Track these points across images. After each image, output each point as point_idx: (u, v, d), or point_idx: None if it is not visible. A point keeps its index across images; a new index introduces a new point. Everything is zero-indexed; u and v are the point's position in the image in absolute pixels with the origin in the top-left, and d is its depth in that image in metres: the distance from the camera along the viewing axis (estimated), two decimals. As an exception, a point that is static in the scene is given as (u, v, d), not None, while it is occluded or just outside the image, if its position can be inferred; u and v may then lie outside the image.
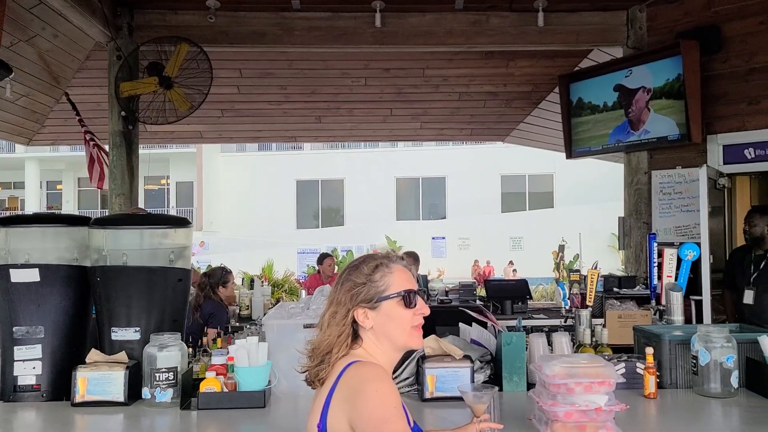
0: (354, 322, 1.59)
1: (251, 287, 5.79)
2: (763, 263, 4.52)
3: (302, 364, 1.65)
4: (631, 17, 5.85)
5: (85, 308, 2.85)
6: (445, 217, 25.39)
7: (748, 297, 4.53)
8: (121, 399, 2.53)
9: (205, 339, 3.89)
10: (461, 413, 2.43)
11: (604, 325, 3.26)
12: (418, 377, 2.64)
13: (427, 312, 1.66)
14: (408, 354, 2.74)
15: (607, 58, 6.28)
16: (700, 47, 5.32)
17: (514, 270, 19.16)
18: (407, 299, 1.60)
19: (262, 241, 22.35)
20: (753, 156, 5.32)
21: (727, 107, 5.35)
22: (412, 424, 1.57)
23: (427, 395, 2.57)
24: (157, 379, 2.49)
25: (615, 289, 4.85)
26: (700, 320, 4.44)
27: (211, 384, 2.48)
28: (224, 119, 8.24)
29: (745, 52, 5.24)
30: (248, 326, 3.82)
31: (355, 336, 1.60)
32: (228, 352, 2.59)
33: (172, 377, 2.50)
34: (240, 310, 5.41)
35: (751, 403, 2.54)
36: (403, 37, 5.80)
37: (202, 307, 4.92)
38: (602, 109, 6.05)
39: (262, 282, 6.21)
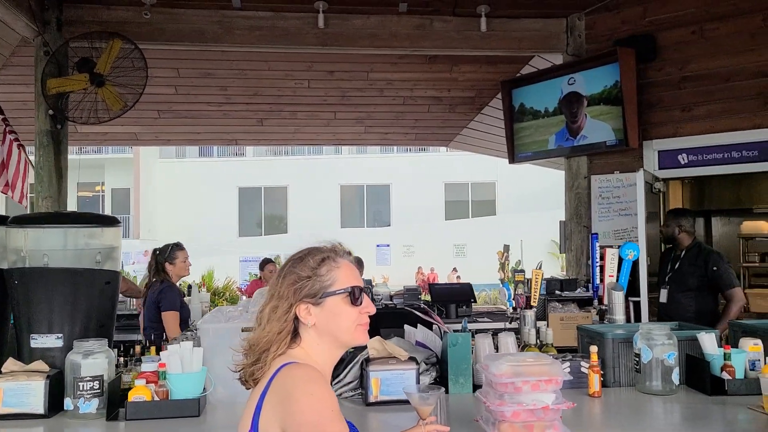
0: (295, 318, 1.49)
1: (188, 294, 5.57)
2: (678, 263, 4.68)
3: (237, 362, 1.54)
4: (571, 25, 5.96)
5: (2, 313, 2.64)
6: (389, 225, 25.43)
7: (663, 296, 4.69)
8: (41, 411, 2.34)
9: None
10: (407, 417, 2.35)
11: (548, 326, 3.26)
12: (362, 381, 2.55)
13: (373, 311, 1.57)
14: (351, 357, 2.65)
15: (547, 65, 6.38)
16: (636, 55, 5.47)
17: (458, 277, 19.32)
18: (354, 296, 1.51)
19: (203, 249, 21.77)
20: (686, 161, 5.49)
21: (662, 114, 5.50)
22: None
23: (371, 399, 2.48)
24: (81, 388, 2.31)
25: (557, 292, 4.90)
26: (638, 321, 4.53)
27: (140, 393, 2.32)
28: (161, 120, 7.96)
29: (678, 61, 5.41)
30: (183, 332, 3.64)
31: (295, 334, 1.51)
32: (159, 359, 2.43)
33: (97, 386, 2.33)
34: (177, 318, 5.17)
35: (690, 400, 2.57)
36: (347, 39, 5.73)
37: (149, 290, 4.42)
38: (543, 115, 6.13)
39: (200, 288, 5.98)
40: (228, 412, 2.49)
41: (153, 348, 3.40)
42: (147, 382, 2.36)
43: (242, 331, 2.57)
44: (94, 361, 2.34)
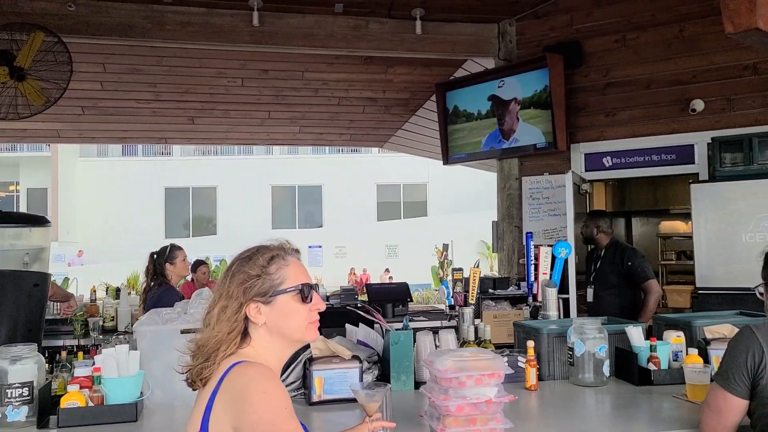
0: (245, 318, 1.48)
1: (117, 297, 5.36)
2: (600, 262, 4.91)
3: (183, 363, 1.50)
4: (502, 30, 6.14)
5: None
6: (321, 226, 25.33)
7: (589, 295, 4.91)
8: (-37, 422, 2.20)
9: None
10: (350, 415, 2.37)
11: (483, 323, 3.34)
12: (305, 380, 2.54)
13: (323, 307, 1.58)
14: (294, 357, 2.64)
15: (480, 69, 6.54)
16: (564, 61, 5.68)
17: (390, 277, 19.47)
18: (304, 293, 1.51)
19: (127, 252, 21.02)
20: (610, 164, 5.75)
21: (588, 118, 5.75)
22: None
23: (315, 398, 2.48)
24: (9, 396, 2.19)
25: (490, 290, 5.02)
26: (568, 317, 4.70)
27: (73, 398, 2.22)
28: (85, 117, 7.63)
29: (602, 68, 5.67)
30: (115, 336, 3.51)
31: (245, 333, 1.49)
32: (94, 363, 2.34)
33: (26, 393, 2.22)
34: (104, 322, 4.98)
35: (620, 390, 2.69)
36: (283, 38, 5.67)
37: (148, 294, 4.31)
38: (476, 117, 6.28)
39: (129, 291, 5.77)
40: (166, 415, 2.42)
41: (81, 353, 3.27)
42: (81, 387, 2.27)
43: (182, 333, 2.51)
44: (22, 366, 2.23)
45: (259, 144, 13.55)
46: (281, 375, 2.58)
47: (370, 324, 3.00)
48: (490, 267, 16.85)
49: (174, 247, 4.50)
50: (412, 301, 5.72)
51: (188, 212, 26.08)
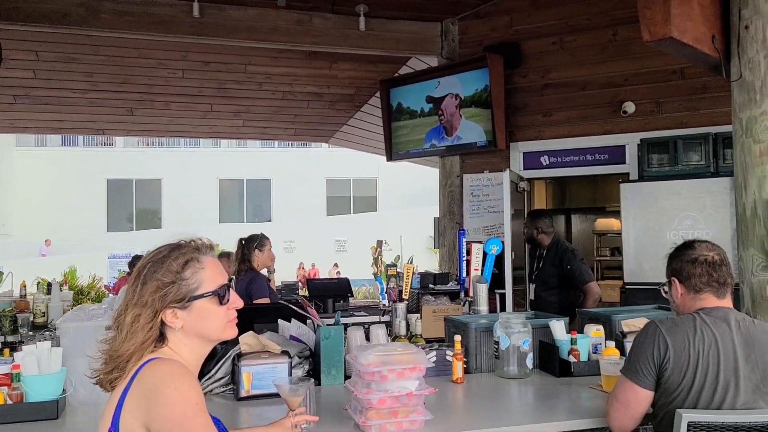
0: (161, 322, 1.46)
1: (48, 292, 5.21)
2: (541, 262, 5.05)
3: (94, 368, 1.47)
4: (445, 29, 6.23)
5: None
6: (270, 220, 25.08)
7: (531, 293, 5.05)
8: None
9: None
10: (279, 409, 2.38)
11: (418, 318, 3.41)
12: (234, 376, 2.54)
13: (241, 304, 1.57)
14: (223, 353, 2.64)
15: (424, 66, 6.62)
16: (504, 62, 5.81)
17: (338, 272, 19.46)
18: (221, 296, 1.50)
19: (67, 246, 20.36)
20: (547, 163, 5.92)
21: (526, 118, 5.90)
22: None
23: (243, 394, 2.48)
24: None
25: (431, 286, 5.11)
26: (503, 312, 4.83)
27: (-10, 397, 2.17)
28: (18, 106, 7.36)
29: (540, 69, 5.82)
30: (41, 333, 3.42)
31: (160, 335, 1.47)
32: (13, 360, 2.29)
33: (-61, 393, 2.15)
34: (35, 317, 4.83)
35: (542, 381, 2.80)
36: (225, 31, 5.61)
37: (239, 283, 4.40)
38: (419, 115, 6.36)
39: (61, 286, 5.62)
40: (89, 413, 2.38)
41: (7, 350, 3.18)
42: (-1, 386, 2.22)
43: (106, 329, 2.48)
44: (-65, 365, 2.16)
45: (201, 137, 13.34)
46: (207, 370, 2.59)
47: (304, 319, 3.02)
48: (438, 262, 17.07)
49: (264, 236, 4.65)
50: (353, 296, 5.76)
51: (131, 205, 25.41)
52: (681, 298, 2.13)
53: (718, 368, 1.93)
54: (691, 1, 2.90)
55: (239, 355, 2.55)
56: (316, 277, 18.66)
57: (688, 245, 2.15)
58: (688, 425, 1.86)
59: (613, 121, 5.54)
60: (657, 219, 4.82)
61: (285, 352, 2.59)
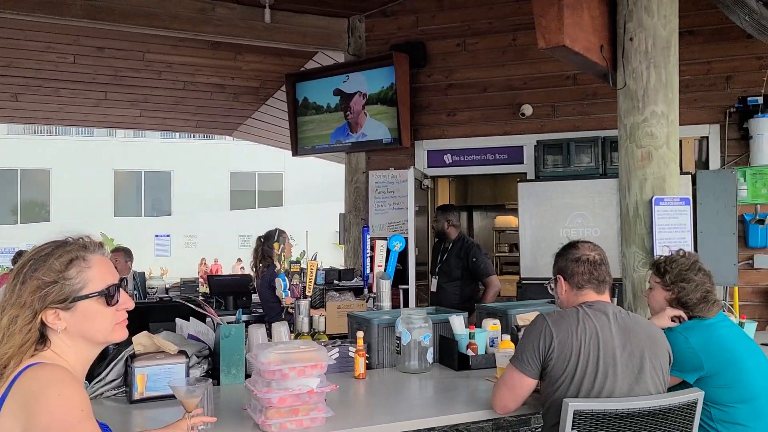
0: (42, 323, 1.37)
1: None
2: (446, 255, 5.20)
3: None
4: (352, 26, 6.23)
5: None
6: (170, 214, 24.19)
7: (433, 285, 5.19)
8: None
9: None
10: (175, 412, 2.30)
11: (321, 314, 3.40)
12: (127, 378, 2.44)
13: (131, 305, 1.51)
14: (115, 354, 2.52)
15: (331, 62, 6.60)
16: (410, 61, 5.90)
17: (242, 268, 19.06)
18: (109, 296, 1.42)
19: (-60, 240, 18.72)
20: (451, 161, 6.07)
21: (431, 116, 6.02)
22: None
23: (136, 396, 2.38)
24: None
25: (335, 282, 5.11)
26: (406, 307, 4.91)
27: None
28: None
29: (445, 69, 5.96)
30: None
31: (41, 337, 1.38)
32: None
33: None
34: None
35: (442, 375, 2.88)
36: (121, 15, 5.33)
37: (263, 277, 4.59)
38: (325, 110, 6.33)
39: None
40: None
41: None
42: None
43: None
44: None
45: (95, 126, 12.63)
46: (97, 372, 2.46)
47: (203, 317, 2.94)
48: (344, 259, 17.10)
49: (280, 231, 4.86)
50: (255, 292, 5.65)
51: (16, 196, 23.69)
52: (565, 294, 2.28)
53: (599, 356, 2.07)
54: (582, 12, 3.07)
55: (133, 356, 2.44)
56: (218, 273, 18.20)
57: (573, 245, 2.30)
58: (574, 413, 1.97)
59: (512, 122, 5.76)
60: (551, 217, 5.07)
61: (182, 352, 2.51)
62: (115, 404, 2.43)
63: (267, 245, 4.78)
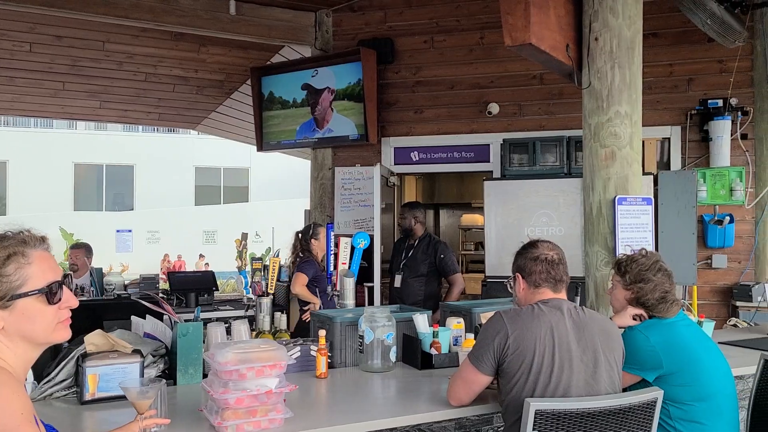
0: None
1: None
2: (412, 251, 5.18)
3: None
4: (319, 20, 6.16)
5: None
6: (132, 209, 23.71)
7: (397, 281, 5.16)
8: None
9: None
10: (128, 413, 2.22)
11: (283, 312, 3.34)
12: (78, 378, 2.34)
13: (75, 304, 1.43)
14: (66, 353, 2.42)
15: (297, 56, 6.51)
16: (377, 56, 5.86)
17: (206, 264, 18.78)
18: (50, 294, 1.35)
19: None
20: (417, 158, 6.06)
21: (398, 113, 5.99)
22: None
23: (87, 397, 2.29)
24: None
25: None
26: (372, 305, 4.88)
27: None
28: None
29: (412, 66, 5.93)
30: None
31: None
32: None
33: None
34: None
35: (405, 374, 2.84)
36: (79, 3, 5.16)
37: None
38: (291, 105, 6.25)
39: None
40: None
41: None
42: None
43: None
44: None
45: (53, 117, 12.28)
46: (46, 372, 2.37)
47: (160, 315, 2.85)
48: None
49: (316, 225, 4.90)
50: (217, 290, 5.56)
51: (-30, 190, 22.95)
52: (523, 292, 2.30)
53: (554, 351, 2.08)
54: (548, 10, 3.07)
55: (84, 356, 2.35)
56: (181, 270, 17.91)
57: (532, 244, 2.31)
58: (536, 413, 1.96)
59: (479, 120, 5.77)
60: (516, 215, 5.09)
61: (136, 351, 2.42)
62: (65, 405, 2.34)
63: (305, 240, 4.86)
